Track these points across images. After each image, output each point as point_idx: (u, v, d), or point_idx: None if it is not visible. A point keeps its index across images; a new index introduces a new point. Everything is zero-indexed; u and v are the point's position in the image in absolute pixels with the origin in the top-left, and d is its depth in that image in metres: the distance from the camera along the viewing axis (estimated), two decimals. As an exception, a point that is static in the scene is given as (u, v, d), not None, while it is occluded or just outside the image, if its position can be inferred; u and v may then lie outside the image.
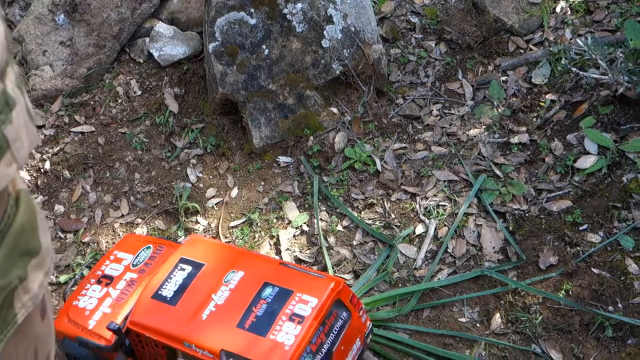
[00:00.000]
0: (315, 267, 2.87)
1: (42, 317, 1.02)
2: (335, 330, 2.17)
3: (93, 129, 3.50)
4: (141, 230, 3.06)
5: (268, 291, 2.18)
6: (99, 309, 2.39)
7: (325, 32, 3.24)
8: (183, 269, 2.32)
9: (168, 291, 2.27)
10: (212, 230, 3.03)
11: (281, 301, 2.14)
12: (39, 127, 3.52)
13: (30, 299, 0.93)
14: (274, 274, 2.24)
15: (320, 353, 2.11)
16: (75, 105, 3.58)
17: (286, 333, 2.06)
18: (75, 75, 3.59)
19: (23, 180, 1.00)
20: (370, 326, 2.36)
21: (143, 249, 2.55)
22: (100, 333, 2.31)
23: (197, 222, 3.06)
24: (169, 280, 2.30)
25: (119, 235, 3.02)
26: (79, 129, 3.50)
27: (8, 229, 0.88)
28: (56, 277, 2.94)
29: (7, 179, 0.85)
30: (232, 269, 2.28)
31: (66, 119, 3.54)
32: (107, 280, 2.47)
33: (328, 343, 2.14)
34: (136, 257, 2.53)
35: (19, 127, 0.88)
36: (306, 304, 2.12)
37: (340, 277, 2.43)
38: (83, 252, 3.01)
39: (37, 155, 3.43)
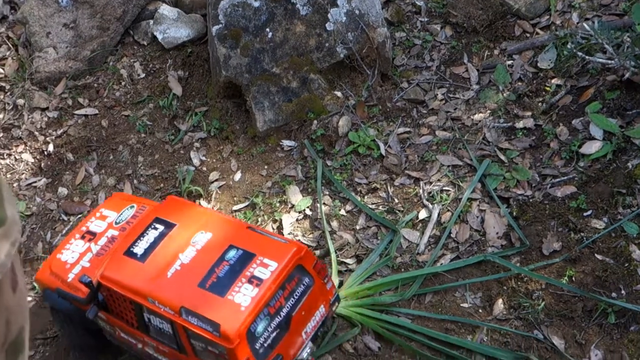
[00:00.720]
0: (317, 252, 2.86)
1: (14, 289, 1.04)
2: (296, 295, 2.24)
3: (96, 111, 3.49)
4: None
5: (232, 253, 2.25)
6: (79, 263, 2.51)
7: (329, 15, 3.22)
8: (156, 228, 2.41)
9: (139, 249, 2.35)
10: (215, 213, 3.02)
11: (243, 264, 2.21)
12: (43, 110, 3.52)
13: None
14: (239, 237, 2.31)
15: (278, 316, 2.18)
16: (78, 88, 3.57)
17: (243, 295, 2.13)
18: (78, 57, 3.58)
19: None
20: (337, 293, 2.41)
21: (127, 208, 2.64)
22: (78, 286, 2.42)
23: (200, 205, 3.05)
24: (141, 238, 2.38)
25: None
26: (82, 111, 3.50)
27: None
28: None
29: None
30: (201, 230, 2.35)
31: (70, 102, 3.54)
32: (90, 236, 2.58)
33: (287, 307, 2.21)
34: (120, 215, 2.62)
35: None
36: (266, 268, 2.18)
37: (305, 244, 2.45)
38: (86, 235, 3.00)
39: (41, 138, 3.43)
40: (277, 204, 3.02)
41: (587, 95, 3.05)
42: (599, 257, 2.63)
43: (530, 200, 2.85)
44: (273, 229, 2.96)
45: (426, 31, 3.48)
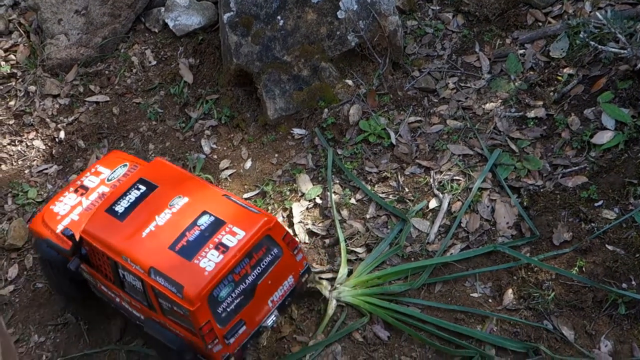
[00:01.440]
0: (327, 240, 2.86)
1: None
2: (263, 265, 2.32)
3: (108, 98, 3.50)
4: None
5: (204, 219, 2.34)
6: (69, 216, 2.65)
7: (340, 3, 3.20)
8: (139, 189, 2.51)
9: (120, 207, 2.46)
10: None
11: (213, 230, 2.31)
12: (54, 96, 3.52)
13: None
14: (214, 204, 2.40)
15: (243, 283, 2.27)
16: (90, 75, 3.58)
17: (209, 260, 2.23)
18: (90, 44, 3.59)
19: None
20: (307, 265, 2.50)
21: (120, 166, 2.77)
22: (65, 238, 2.54)
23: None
24: (124, 197, 2.49)
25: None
26: (93, 98, 3.51)
27: None
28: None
29: None
30: (179, 195, 2.45)
31: (81, 89, 3.54)
32: (83, 190, 2.72)
33: (253, 275, 2.30)
34: (112, 173, 2.76)
35: None
36: (234, 236, 2.27)
37: (273, 216, 2.49)
38: None
39: (52, 125, 3.44)
40: (288, 192, 3.02)
41: (599, 85, 3.03)
42: (609, 247, 2.62)
43: (541, 190, 2.84)
44: (283, 217, 2.96)
45: (438, 20, 3.46)
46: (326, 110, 3.18)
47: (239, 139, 3.24)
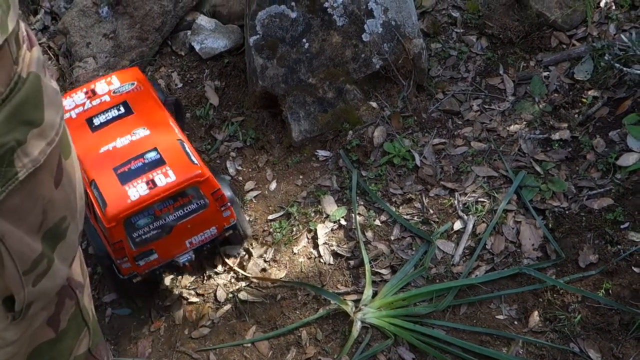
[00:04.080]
0: (352, 262, 2.87)
1: (56, 184, 1.23)
2: (186, 210, 2.56)
3: (135, 120, 3.53)
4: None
5: (151, 155, 2.58)
6: (69, 112, 2.84)
7: (365, 26, 3.23)
8: (119, 109, 2.78)
9: (98, 120, 2.75)
10: (250, 222, 3.05)
11: (152, 166, 2.54)
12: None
13: (31, 161, 1.12)
14: (166, 146, 2.62)
15: (162, 220, 2.52)
16: (117, 97, 3.62)
17: (136, 190, 2.47)
18: (118, 67, 3.64)
19: (45, 67, 1.22)
20: (233, 223, 2.72)
21: (129, 84, 2.94)
22: None
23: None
24: (105, 113, 2.77)
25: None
26: (121, 120, 3.54)
27: (11, 100, 1.08)
28: (95, 266, 2.99)
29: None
30: (144, 126, 2.69)
31: (108, 111, 3.59)
32: (91, 94, 2.91)
33: (173, 216, 2.54)
34: (120, 87, 2.92)
35: None
36: (166, 177, 2.50)
37: (206, 171, 2.62)
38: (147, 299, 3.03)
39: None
40: (312, 214, 3.04)
41: (624, 107, 3.03)
42: (636, 270, 2.61)
43: (567, 212, 2.84)
44: (308, 238, 2.98)
45: (462, 42, 3.48)
46: (350, 132, 3.20)
47: (263, 161, 3.26)
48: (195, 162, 2.59)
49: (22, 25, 1.20)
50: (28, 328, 1.33)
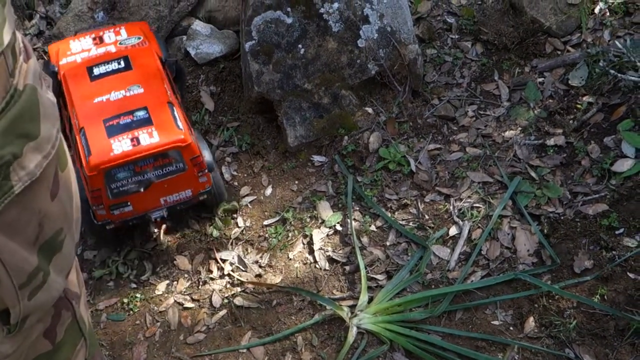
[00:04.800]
0: (347, 267, 2.87)
1: (52, 197, 1.23)
2: (165, 170, 2.69)
3: (130, 126, 3.53)
4: (174, 226, 3.08)
5: (140, 113, 2.71)
6: (74, 55, 2.98)
7: (361, 32, 3.24)
8: (119, 63, 2.90)
9: (98, 70, 2.88)
10: (245, 228, 3.05)
11: (139, 125, 2.67)
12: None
13: (27, 174, 1.12)
14: (156, 106, 2.75)
15: (141, 176, 2.65)
16: (112, 102, 3.62)
17: (120, 145, 2.60)
18: (113, 72, 3.63)
19: (42, 79, 1.23)
20: (209, 189, 2.85)
21: (135, 37, 3.07)
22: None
23: (232, 217, 3.08)
24: (106, 63, 2.90)
25: (154, 231, 3.04)
26: (116, 125, 3.54)
27: (7, 113, 1.08)
28: (91, 272, 2.99)
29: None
30: (139, 84, 2.82)
31: (104, 116, 3.58)
32: (99, 41, 3.05)
33: (152, 174, 2.67)
34: (127, 39, 3.06)
35: None
36: (150, 137, 2.64)
37: (190, 139, 2.73)
38: (118, 249, 3.04)
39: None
40: (308, 219, 3.04)
41: (619, 113, 3.04)
42: (631, 275, 2.62)
43: (562, 217, 2.85)
44: (303, 244, 2.97)
45: (457, 48, 3.49)
46: (346, 137, 3.21)
47: (259, 166, 3.26)
48: (181, 127, 2.70)
49: (19, 36, 1.19)
50: (24, 341, 1.32)
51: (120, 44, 3.01)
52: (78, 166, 2.73)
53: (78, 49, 3.00)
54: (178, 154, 2.68)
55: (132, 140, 2.63)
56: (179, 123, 2.71)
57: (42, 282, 1.26)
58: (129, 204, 2.73)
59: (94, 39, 3.04)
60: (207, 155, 2.83)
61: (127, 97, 2.78)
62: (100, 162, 2.58)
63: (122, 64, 2.90)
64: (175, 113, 2.75)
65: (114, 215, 2.74)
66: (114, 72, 2.87)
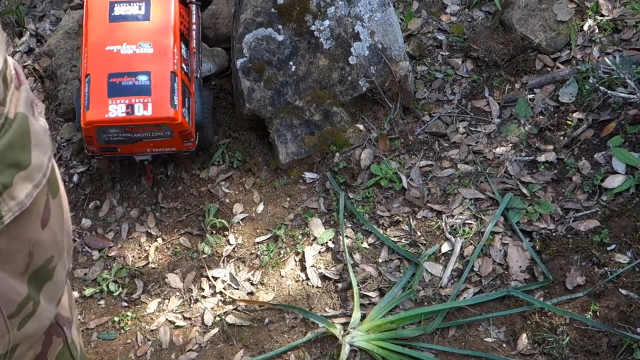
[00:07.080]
0: (340, 285, 2.87)
1: (43, 225, 1.21)
2: (153, 135, 2.80)
3: (121, 143, 3.52)
4: (166, 244, 3.07)
5: (143, 78, 2.74)
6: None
7: (352, 49, 3.25)
8: (140, 8, 2.85)
9: (119, 10, 2.84)
10: (237, 245, 3.04)
11: (137, 91, 2.72)
12: (67, 141, 3.56)
13: (17, 205, 1.10)
14: (159, 73, 2.78)
15: (130, 134, 2.76)
16: (103, 120, 3.60)
17: (116, 109, 2.67)
18: (103, 89, 3.63)
19: (34, 105, 1.22)
20: (193, 149, 2.99)
21: None
22: None
23: (224, 235, 3.07)
24: (129, 4, 2.84)
25: (145, 249, 3.03)
26: (106, 143, 3.53)
27: None
28: (81, 290, 2.97)
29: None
30: (151, 42, 2.81)
31: (94, 133, 3.57)
32: None
33: (141, 135, 2.79)
34: None
35: None
36: (144, 109, 2.70)
37: (184, 121, 2.82)
38: (109, 267, 3.03)
39: (62, 169, 3.46)
40: (300, 236, 3.03)
41: (609, 129, 3.06)
42: (623, 292, 2.62)
43: (553, 234, 2.85)
44: (295, 261, 2.97)
45: (447, 65, 3.50)
46: (337, 154, 3.21)
47: (251, 183, 3.26)
48: (175, 103, 2.77)
49: (11, 63, 1.17)
50: None
51: None
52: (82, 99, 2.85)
53: None
54: (168, 128, 2.79)
55: (127, 107, 2.69)
56: (175, 99, 2.78)
57: (32, 311, 1.24)
58: (117, 149, 2.88)
59: None
60: (199, 115, 2.95)
61: (136, 54, 2.78)
62: (94, 119, 2.69)
63: (143, 10, 2.86)
64: (175, 86, 2.80)
65: (102, 152, 2.91)
66: (132, 18, 2.84)
